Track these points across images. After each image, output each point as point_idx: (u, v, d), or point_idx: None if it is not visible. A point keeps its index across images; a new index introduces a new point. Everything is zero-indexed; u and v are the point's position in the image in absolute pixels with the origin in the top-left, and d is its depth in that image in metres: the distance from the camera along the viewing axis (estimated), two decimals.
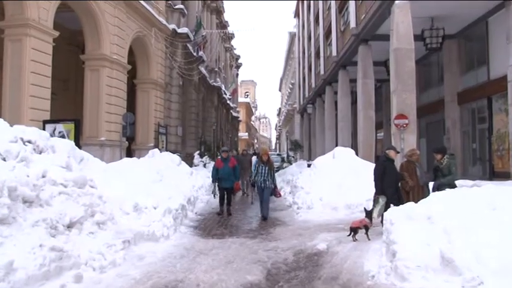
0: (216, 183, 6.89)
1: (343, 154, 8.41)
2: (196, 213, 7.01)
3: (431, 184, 4.98)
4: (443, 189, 3.97)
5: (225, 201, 6.96)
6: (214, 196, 7.02)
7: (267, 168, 6.46)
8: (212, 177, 6.94)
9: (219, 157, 7.06)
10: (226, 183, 6.83)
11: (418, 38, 9.31)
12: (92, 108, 10.52)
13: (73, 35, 12.01)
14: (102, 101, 10.60)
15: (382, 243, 3.74)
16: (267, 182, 6.45)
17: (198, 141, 19.85)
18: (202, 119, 22.28)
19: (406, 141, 8.35)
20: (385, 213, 4.02)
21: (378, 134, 15.73)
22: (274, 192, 6.63)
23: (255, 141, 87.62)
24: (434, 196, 3.70)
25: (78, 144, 7.33)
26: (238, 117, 45.14)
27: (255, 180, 6.55)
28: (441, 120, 11.62)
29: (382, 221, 4.47)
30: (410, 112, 8.47)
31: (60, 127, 7.84)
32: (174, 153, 10.93)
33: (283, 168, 21.19)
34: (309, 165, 12.48)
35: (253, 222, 6.62)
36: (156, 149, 9.43)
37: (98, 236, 3.76)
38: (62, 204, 3.53)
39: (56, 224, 3.32)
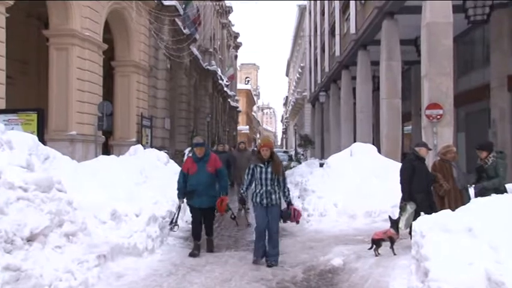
0: (183, 201, 4.88)
1: (363, 151, 8.40)
2: (187, 221, 6.89)
3: (471, 188, 4.96)
4: (488, 195, 3.91)
5: (203, 230, 4.91)
6: (173, 228, 5.04)
7: (270, 170, 4.29)
8: (178, 189, 4.88)
9: (190, 155, 5.05)
10: (201, 201, 4.72)
11: (458, 9, 9.09)
12: (59, 96, 10.47)
13: (33, 5, 11.76)
14: (72, 87, 10.55)
15: (411, 259, 3.71)
16: (273, 196, 4.29)
17: (190, 135, 19.88)
18: (194, 109, 22.37)
19: (440, 136, 8.31)
20: (414, 223, 3.99)
21: (405, 128, 15.68)
22: (289, 214, 4.38)
23: (258, 135, 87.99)
24: (476, 203, 3.63)
25: (42, 139, 7.27)
26: (237, 108, 45.42)
27: (248, 193, 4.59)
28: (485, 110, 11.40)
29: (410, 233, 4.42)
30: (445, 100, 8.40)
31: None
32: (160, 149, 10.91)
33: (290, 168, 21.22)
34: (321, 165, 12.51)
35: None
36: (139, 145, 9.49)
37: (66, 250, 3.72)
38: (20, 213, 3.47)
39: (13, 237, 3.25)
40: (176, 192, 5.00)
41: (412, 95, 15.09)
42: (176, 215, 5.05)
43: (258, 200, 4.39)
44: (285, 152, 35.05)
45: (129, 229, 4.77)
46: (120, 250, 4.37)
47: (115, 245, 4.31)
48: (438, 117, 8.38)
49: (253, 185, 4.48)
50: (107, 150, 12.84)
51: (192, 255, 4.77)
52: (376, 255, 4.68)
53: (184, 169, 4.98)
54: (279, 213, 4.42)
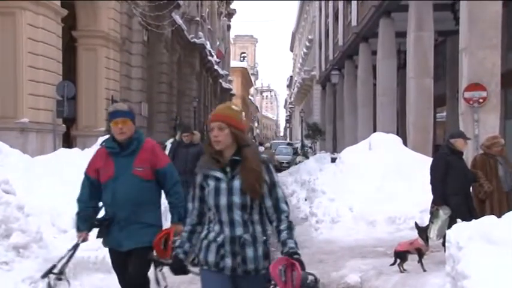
0: (88, 235, 3.17)
1: (385, 144, 8.40)
2: None
3: None
4: None
5: None
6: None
7: (237, 186, 2.20)
8: (78, 212, 3.19)
9: (103, 143, 3.23)
10: (122, 237, 3.05)
11: None
12: (4, 74, 10.35)
13: None
14: (21, 63, 10.44)
15: (444, 276, 3.71)
16: (249, 252, 2.19)
17: (172, 124, 19.88)
18: (177, 92, 22.36)
19: (482, 125, 8.26)
20: (448, 232, 3.98)
21: (438, 114, 15.61)
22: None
23: (256, 124, 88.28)
24: None
25: None
26: (230, 90, 45.45)
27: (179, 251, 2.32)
28: None
29: (444, 244, 4.43)
30: (490, 80, 8.33)
31: None
32: None
33: (296, 163, 21.41)
34: (333, 160, 12.53)
35: None
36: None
37: (15, 267, 3.69)
38: None
39: None
40: (74, 217, 3.29)
41: (447, 73, 15.03)
42: (66, 261, 3.18)
43: (210, 259, 2.27)
44: (289, 144, 35.21)
45: (97, 240, 4.74)
46: (85, 265, 4.37)
47: (79, 260, 4.27)
48: (480, 100, 8.34)
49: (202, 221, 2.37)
50: (68, 142, 12.79)
51: None
52: (401, 272, 4.67)
53: (89, 172, 3.22)
54: None
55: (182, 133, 7.00)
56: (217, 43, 34.07)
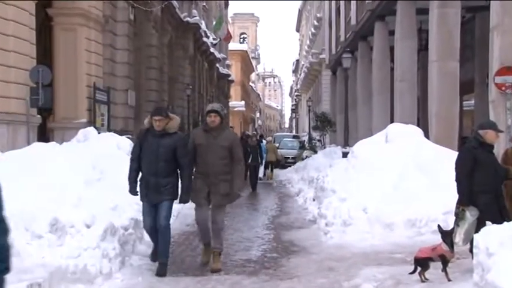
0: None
1: (404, 136, 8.44)
2: None
3: None
4: None
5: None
6: None
7: None
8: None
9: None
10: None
11: None
12: None
13: None
14: None
15: (472, 287, 3.73)
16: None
17: None
18: (168, 78, 22.36)
19: None
20: (476, 236, 3.98)
21: (464, 102, 15.55)
22: None
23: (258, 114, 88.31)
24: None
25: None
26: (229, 76, 45.32)
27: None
28: None
29: (471, 250, 4.46)
30: None
31: None
32: (122, 134, 10.94)
33: (302, 159, 21.46)
34: (344, 154, 12.58)
35: (254, 245, 6.75)
36: (91, 128, 9.54)
37: None
38: None
39: None
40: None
41: (475, 56, 14.96)
42: None
43: None
44: (294, 137, 35.31)
45: (77, 245, 4.79)
46: (63, 276, 4.38)
47: (56, 269, 4.33)
48: None
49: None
50: (44, 135, 12.77)
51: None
52: (423, 281, 4.68)
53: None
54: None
55: (152, 116, 5.45)
56: (214, 22, 33.87)
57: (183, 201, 5.57)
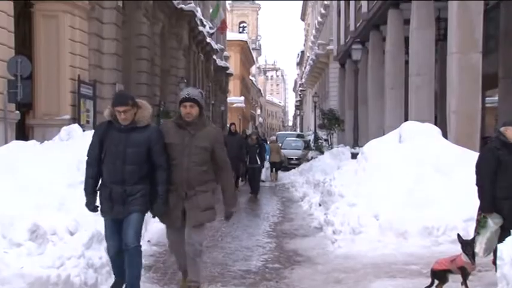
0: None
1: (419, 135, 8.43)
2: (149, 241, 7.03)
3: None
4: None
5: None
6: None
7: None
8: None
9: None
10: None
11: None
12: None
13: None
14: None
15: None
16: None
17: (155, 110, 19.79)
18: (161, 70, 22.35)
19: None
20: (499, 247, 3.95)
21: (487, 98, 15.50)
22: None
23: (258, 111, 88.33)
24: None
25: None
26: (227, 68, 45.35)
27: None
28: None
29: (494, 261, 4.43)
30: None
31: None
32: None
33: (307, 160, 21.43)
34: (354, 156, 12.54)
35: (254, 255, 6.69)
36: (76, 126, 9.44)
37: None
38: None
39: None
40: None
41: (500, 47, 14.93)
42: None
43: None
44: (299, 136, 35.28)
45: (59, 254, 4.75)
46: (44, 287, 4.33)
47: (36, 280, 4.27)
48: None
49: None
50: (23, 133, 12.77)
51: None
52: None
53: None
54: None
55: (114, 106, 4.39)
56: (211, 11, 33.90)
57: (158, 213, 4.60)
